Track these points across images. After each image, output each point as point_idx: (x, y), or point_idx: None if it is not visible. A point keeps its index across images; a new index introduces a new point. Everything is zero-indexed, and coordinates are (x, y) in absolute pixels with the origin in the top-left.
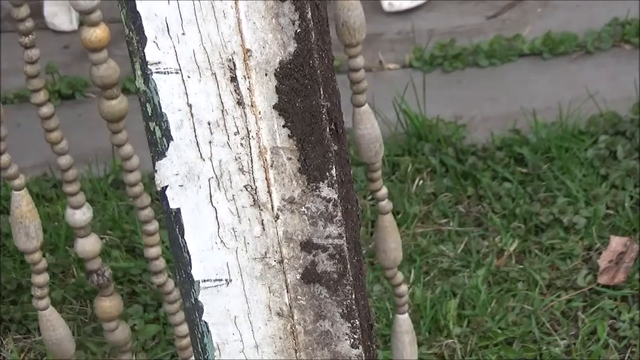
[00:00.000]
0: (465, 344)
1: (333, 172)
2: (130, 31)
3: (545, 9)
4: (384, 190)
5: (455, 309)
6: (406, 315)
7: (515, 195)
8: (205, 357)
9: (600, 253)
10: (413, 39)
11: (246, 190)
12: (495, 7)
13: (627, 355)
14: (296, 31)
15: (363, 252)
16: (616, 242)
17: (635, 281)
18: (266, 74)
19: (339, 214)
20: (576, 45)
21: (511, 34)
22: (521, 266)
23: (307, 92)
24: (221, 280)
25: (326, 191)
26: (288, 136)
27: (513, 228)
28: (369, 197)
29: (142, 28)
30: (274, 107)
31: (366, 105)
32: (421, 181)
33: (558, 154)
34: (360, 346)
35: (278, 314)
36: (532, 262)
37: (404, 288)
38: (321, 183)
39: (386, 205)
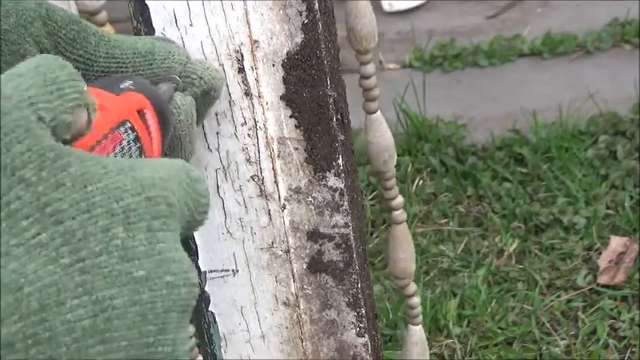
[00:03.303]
0: (465, 344)
1: (340, 161)
2: (138, 23)
3: (545, 9)
4: (399, 200)
5: (455, 309)
6: (419, 326)
7: (515, 195)
8: (212, 347)
9: (600, 253)
10: (413, 39)
11: (253, 180)
12: (495, 7)
13: (627, 355)
14: (303, 22)
15: None
16: (616, 242)
17: (635, 281)
18: (273, 65)
19: (346, 203)
20: (576, 45)
21: (511, 34)
22: (521, 266)
23: (314, 82)
24: (228, 270)
25: (332, 181)
26: (295, 126)
27: (513, 228)
28: (369, 197)
29: (150, 20)
30: (281, 98)
31: (378, 112)
32: (421, 181)
33: (558, 154)
34: (366, 335)
35: (284, 304)
36: (532, 262)
37: (416, 300)
38: (327, 173)
39: (400, 214)
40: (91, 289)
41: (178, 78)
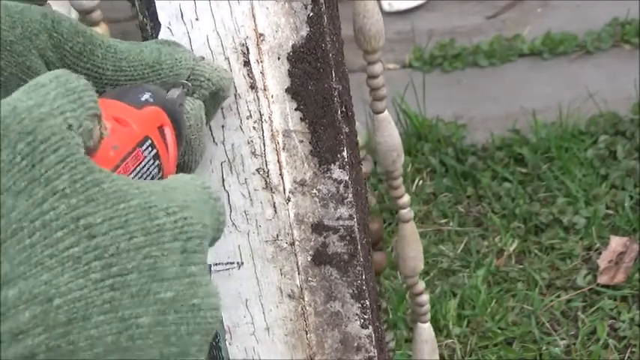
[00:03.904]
0: (465, 344)
1: (344, 154)
2: (144, 18)
3: (545, 9)
4: (405, 199)
5: (455, 309)
6: (427, 324)
7: (515, 195)
8: (216, 340)
9: (600, 253)
10: (413, 39)
11: (259, 173)
12: (495, 7)
13: (627, 355)
14: (308, 15)
15: None
16: (616, 242)
17: (635, 281)
18: (279, 58)
19: (350, 195)
20: (576, 45)
21: (511, 34)
22: (521, 266)
23: (319, 75)
24: (233, 263)
25: (337, 173)
26: (300, 119)
27: (513, 228)
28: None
29: (156, 14)
30: (286, 91)
31: (386, 112)
32: (421, 181)
33: (558, 154)
34: (370, 326)
35: (289, 296)
36: (532, 262)
37: (425, 297)
38: (332, 165)
39: (407, 213)
40: (118, 306)
41: (189, 83)
